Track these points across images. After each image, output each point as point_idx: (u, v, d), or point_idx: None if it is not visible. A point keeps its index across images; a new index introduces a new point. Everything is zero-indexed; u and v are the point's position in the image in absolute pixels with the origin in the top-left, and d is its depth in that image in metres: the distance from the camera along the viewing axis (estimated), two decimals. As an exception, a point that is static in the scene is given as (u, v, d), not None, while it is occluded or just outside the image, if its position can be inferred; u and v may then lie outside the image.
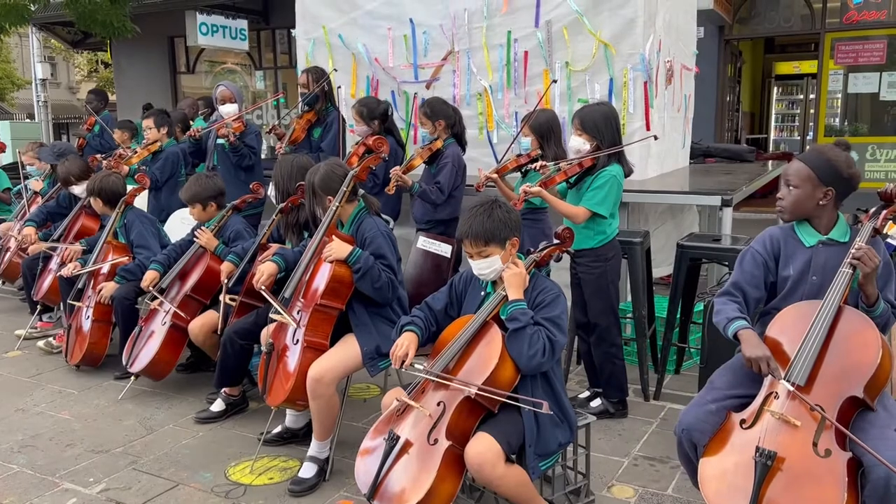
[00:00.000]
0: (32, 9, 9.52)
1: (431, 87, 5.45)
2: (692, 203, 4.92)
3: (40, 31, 14.05)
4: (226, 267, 3.78)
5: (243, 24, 11.44)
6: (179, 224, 4.96)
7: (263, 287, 3.11)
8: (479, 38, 5.24)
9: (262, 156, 6.09)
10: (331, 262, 2.99)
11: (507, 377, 2.44)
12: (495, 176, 3.90)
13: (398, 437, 2.44)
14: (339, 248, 2.98)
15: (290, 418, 3.40)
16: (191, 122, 6.70)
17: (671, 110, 5.50)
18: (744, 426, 2.15)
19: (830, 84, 8.90)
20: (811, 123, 13.57)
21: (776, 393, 2.13)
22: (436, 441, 2.39)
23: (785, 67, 13.87)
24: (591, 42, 4.88)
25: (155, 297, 3.98)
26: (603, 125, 3.25)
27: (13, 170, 7.49)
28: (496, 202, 2.61)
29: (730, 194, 4.08)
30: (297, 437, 3.39)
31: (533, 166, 3.55)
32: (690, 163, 6.37)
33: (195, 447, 3.41)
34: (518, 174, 4.13)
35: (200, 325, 3.87)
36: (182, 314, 3.87)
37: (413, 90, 5.52)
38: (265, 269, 3.18)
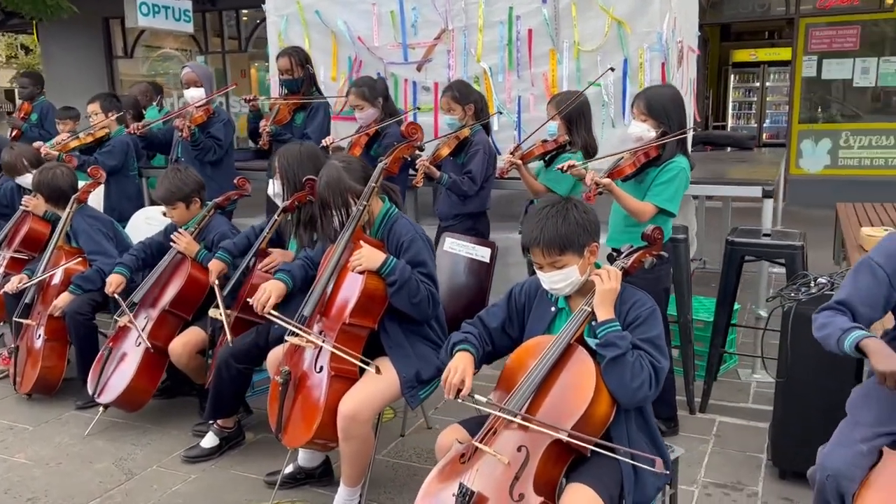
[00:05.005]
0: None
1: (423, 69, 4.96)
2: (731, 194, 4.59)
3: (-46, 11, 12.80)
4: (215, 266, 3.20)
5: (187, 4, 10.61)
6: (145, 225, 4.33)
7: (272, 312, 2.57)
8: (476, 15, 4.77)
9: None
10: (360, 272, 2.49)
11: (603, 413, 2.01)
12: (520, 161, 3.47)
13: (472, 493, 1.97)
14: (370, 255, 2.49)
15: (305, 456, 2.89)
16: (143, 110, 6.00)
17: (679, 95, 5.17)
18: (909, 468, 1.78)
19: (804, 70, 8.78)
20: (767, 111, 13.67)
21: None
22: (521, 497, 1.94)
23: (741, 55, 13.87)
24: (602, 20, 4.47)
25: (124, 313, 3.39)
26: (672, 109, 2.86)
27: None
28: (570, 201, 2.16)
29: (771, 185, 3.75)
30: (314, 478, 2.89)
31: (562, 166, 3.14)
32: (691, 151, 6.06)
33: (189, 494, 2.86)
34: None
35: (183, 344, 3.30)
36: (149, 344, 3.30)
37: (402, 72, 5.01)
38: (272, 290, 2.63)
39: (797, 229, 3.54)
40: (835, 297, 2.08)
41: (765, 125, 13.59)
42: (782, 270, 4.08)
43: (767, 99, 13.69)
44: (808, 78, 8.84)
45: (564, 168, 3.03)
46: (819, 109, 8.96)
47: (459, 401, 2.10)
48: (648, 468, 1.92)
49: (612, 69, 4.20)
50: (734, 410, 3.50)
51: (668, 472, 1.97)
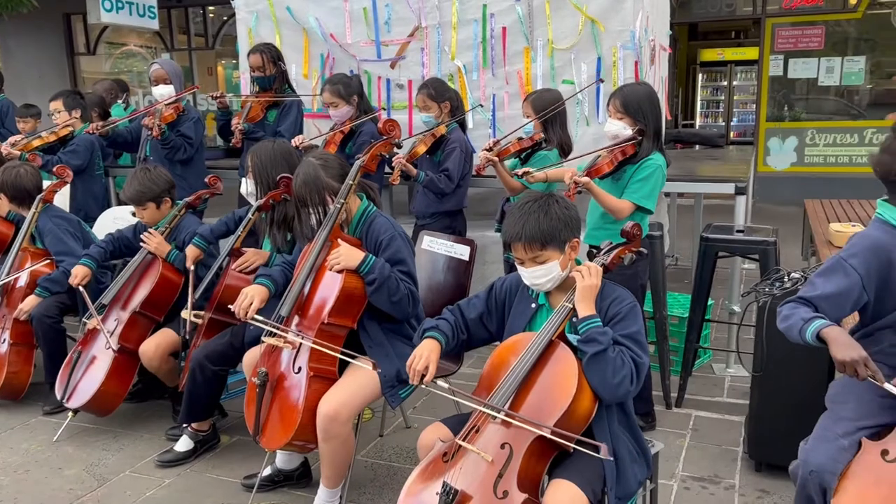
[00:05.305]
0: None
1: (397, 66, 4.92)
2: (705, 191, 4.64)
3: None
4: (191, 251, 3.17)
5: (153, 0, 10.41)
6: (112, 225, 4.23)
7: (256, 317, 2.51)
8: (449, 13, 4.75)
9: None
10: (338, 271, 2.46)
11: (585, 409, 2.01)
12: (496, 159, 3.46)
13: (455, 492, 1.96)
14: (348, 254, 2.46)
15: (283, 458, 2.85)
16: (108, 109, 5.86)
17: (651, 93, 5.21)
18: (887, 458, 1.81)
19: (771, 69, 8.94)
20: (735, 109, 13.89)
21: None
22: (506, 494, 1.93)
23: (709, 55, 14.08)
24: (576, 18, 4.48)
25: (93, 315, 3.30)
26: (648, 107, 2.87)
27: None
28: (552, 196, 2.16)
29: (744, 182, 3.80)
30: (292, 480, 2.85)
31: (517, 172, 3.16)
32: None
33: (164, 499, 2.80)
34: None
35: (155, 346, 3.23)
36: (116, 347, 3.23)
37: (376, 70, 4.97)
38: (254, 294, 2.55)
39: (766, 226, 3.59)
40: (803, 293, 2.06)
41: (732, 123, 13.82)
42: (752, 266, 4.15)
43: (735, 98, 13.92)
44: (775, 77, 8.99)
45: (520, 174, 3.05)
46: (785, 108, 9.13)
47: (423, 386, 2.12)
48: (595, 455, 1.90)
49: (602, 80, 4.24)
50: (709, 405, 3.53)
51: (612, 458, 1.97)
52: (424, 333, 2.18)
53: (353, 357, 2.39)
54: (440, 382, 2.11)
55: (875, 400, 1.93)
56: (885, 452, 1.83)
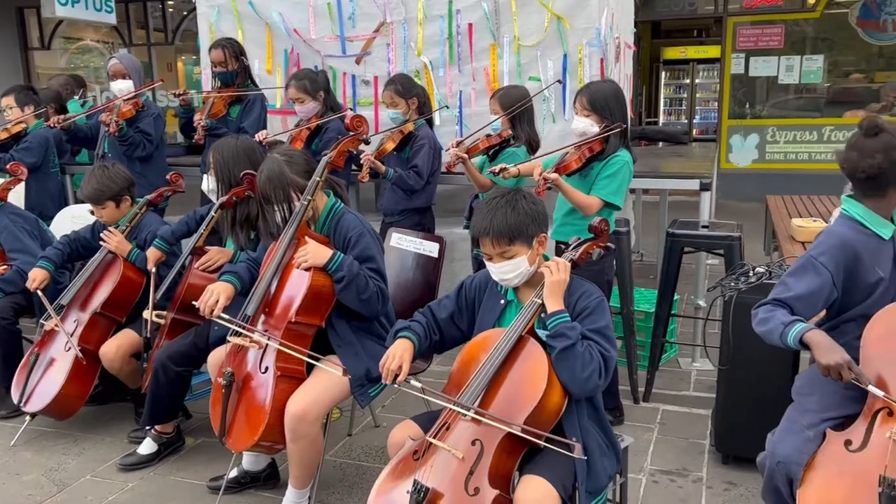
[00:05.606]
0: None
1: (362, 62, 4.88)
2: (670, 187, 4.70)
3: None
4: (152, 253, 3.10)
5: (110, -7, 10.15)
6: (70, 224, 4.11)
7: (221, 315, 2.45)
8: (415, 8, 4.72)
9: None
10: (306, 269, 2.42)
11: (555, 404, 2.01)
12: (465, 156, 3.45)
13: (426, 489, 1.94)
14: (315, 251, 2.42)
15: (249, 459, 2.80)
16: (64, 104, 5.69)
17: (616, 90, 5.25)
18: (850, 448, 1.85)
19: (733, 67, 9.09)
20: (697, 107, 14.10)
21: (890, 410, 1.83)
22: (477, 491, 1.92)
23: (672, 53, 14.25)
24: (542, 15, 4.50)
25: (51, 316, 3.21)
26: (614, 104, 2.88)
27: None
28: (520, 192, 2.16)
29: (708, 178, 3.86)
30: (259, 481, 2.80)
31: (494, 170, 3.16)
32: (628, 145, 6.19)
33: (127, 504, 2.74)
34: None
35: (116, 347, 3.16)
36: (78, 350, 3.13)
37: (341, 66, 4.92)
38: (220, 291, 2.48)
39: (731, 221, 3.65)
40: (776, 295, 2.08)
41: (695, 121, 14.02)
42: (716, 262, 4.20)
43: (697, 95, 14.12)
44: (736, 75, 9.15)
45: (496, 171, 3.05)
46: (747, 106, 9.30)
47: (396, 385, 2.11)
48: (568, 454, 1.90)
49: (560, 81, 4.28)
50: (676, 399, 3.57)
51: (585, 458, 1.98)
52: (397, 334, 2.17)
53: (318, 359, 2.35)
54: (413, 382, 2.09)
55: (839, 392, 1.97)
56: (848, 443, 1.86)
